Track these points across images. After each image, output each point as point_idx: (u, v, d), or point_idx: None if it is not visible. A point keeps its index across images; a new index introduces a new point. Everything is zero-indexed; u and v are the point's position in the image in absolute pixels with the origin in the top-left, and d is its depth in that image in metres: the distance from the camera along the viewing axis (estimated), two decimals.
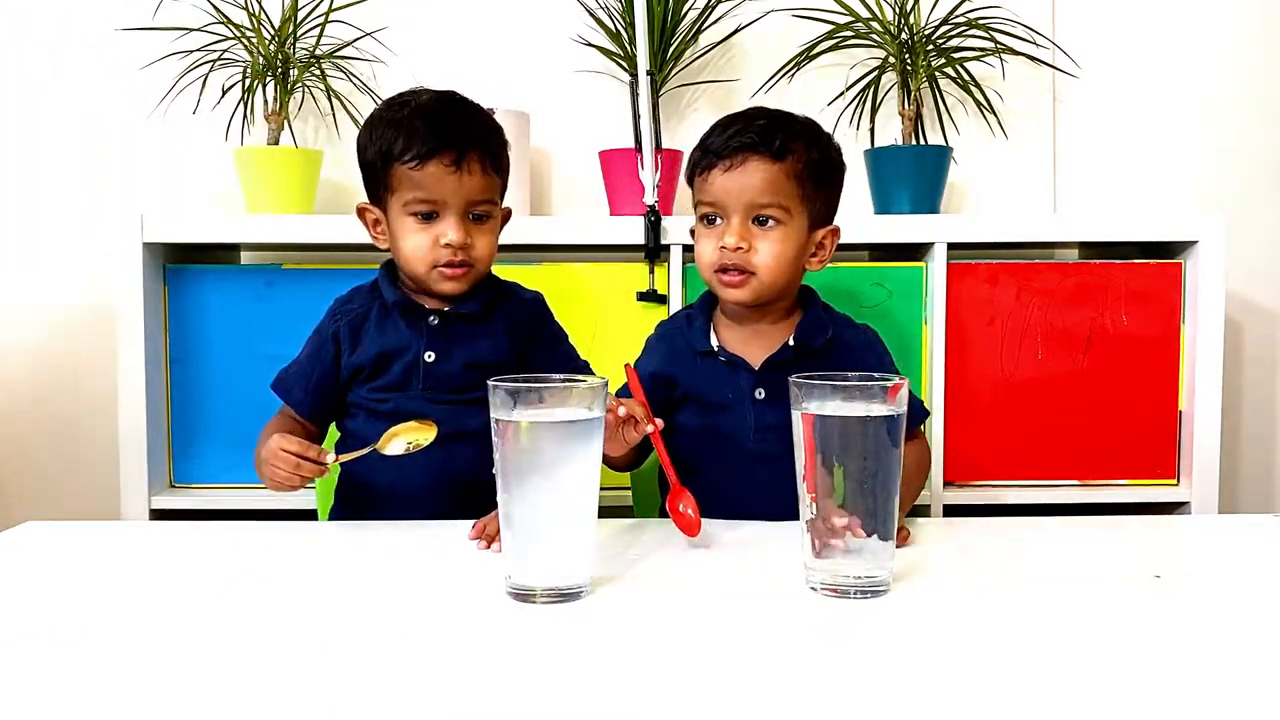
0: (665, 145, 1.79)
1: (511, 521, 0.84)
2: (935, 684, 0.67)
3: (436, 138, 1.17)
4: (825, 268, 1.26)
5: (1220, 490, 1.75)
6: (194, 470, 1.76)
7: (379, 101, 1.85)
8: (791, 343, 1.22)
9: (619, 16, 1.87)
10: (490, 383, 0.85)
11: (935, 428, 1.72)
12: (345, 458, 1.11)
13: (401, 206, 1.19)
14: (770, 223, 1.18)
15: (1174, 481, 1.79)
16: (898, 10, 1.86)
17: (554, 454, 0.83)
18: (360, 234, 1.30)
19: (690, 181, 1.25)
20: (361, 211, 1.27)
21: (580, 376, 0.93)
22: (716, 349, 1.23)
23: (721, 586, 0.90)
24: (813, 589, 0.85)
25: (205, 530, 1.13)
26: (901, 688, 0.67)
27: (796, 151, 1.19)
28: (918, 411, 1.32)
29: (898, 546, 0.99)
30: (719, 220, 1.20)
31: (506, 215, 1.28)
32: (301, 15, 1.83)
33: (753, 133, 1.18)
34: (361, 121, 1.27)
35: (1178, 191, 2.05)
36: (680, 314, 1.32)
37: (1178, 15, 2.04)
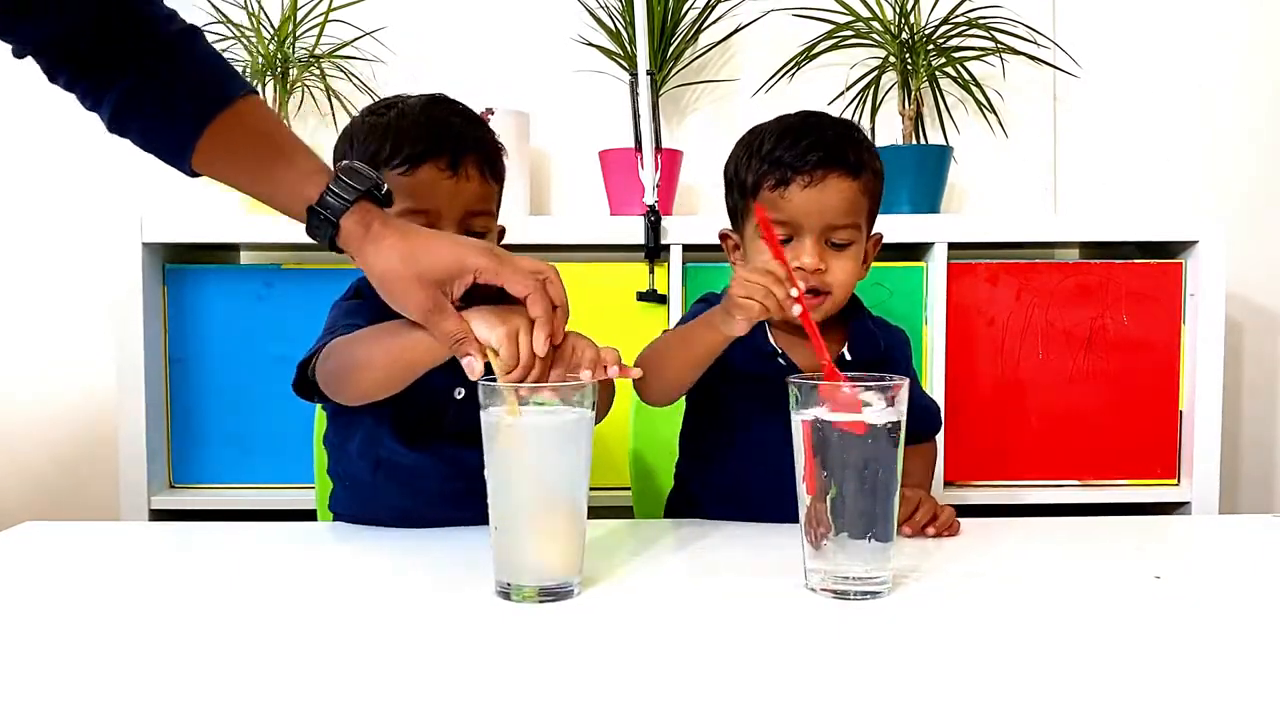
0: (665, 145, 1.79)
1: (501, 520, 0.84)
2: (935, 685, 0.67)
3: (429, 139, 1.05)
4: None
5: (1220, 490, 1.76)
6: (194, 470, 1.77)
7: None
8: (849, 356, 1.17)
9: (619, 16, 1.87)
10: (480, 382, 0.85)
11: None
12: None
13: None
14: (843, 243, 1.12)
15: (1174, 481, 1.79)
16: (898, 10, 1.86)
17: (543, 453, 0.83)
18: None
19: (748, 191, 1.14)
20: None
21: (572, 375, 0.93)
22: (780, 352, 1.16)
23: (720, 586, 0.90)
24: (812, 589, 0.85)
25: (205, 530, 1.13)
26: (901, 689, 0.67)
27: (868, 165, 1.13)
28: (930, 423, 1.28)
29: (949, 536, 1.05)
30: (790, 239, 1.12)
31: (501, 233, 1.14)
32: (301, 15, 1.83)
33: (828, 146, 1.11)
34: None
35: (1178, 191, 2.05)
36: None
37: (1178, 15, 2.04)
